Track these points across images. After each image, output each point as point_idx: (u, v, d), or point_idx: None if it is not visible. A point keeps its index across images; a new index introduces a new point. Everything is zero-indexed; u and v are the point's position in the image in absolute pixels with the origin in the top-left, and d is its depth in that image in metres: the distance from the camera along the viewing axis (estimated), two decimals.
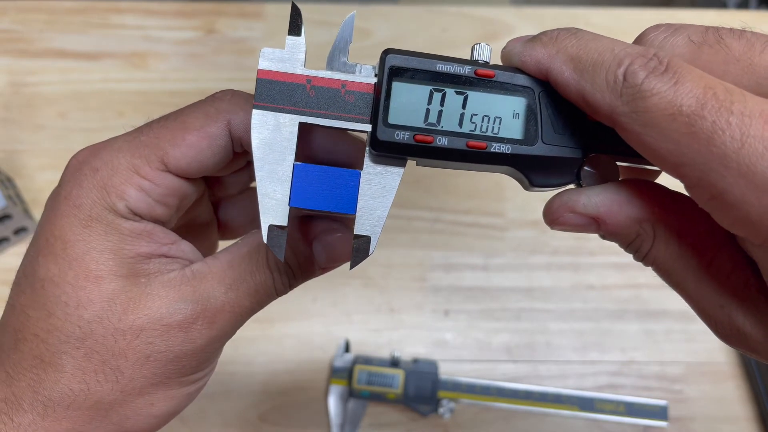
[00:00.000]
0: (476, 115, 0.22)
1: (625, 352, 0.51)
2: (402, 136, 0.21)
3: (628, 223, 0.21)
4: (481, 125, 0.22)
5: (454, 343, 0.51)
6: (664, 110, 0.17)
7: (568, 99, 0.21)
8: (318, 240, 0.24)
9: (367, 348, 0.50)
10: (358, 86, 0.22)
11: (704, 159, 0.17)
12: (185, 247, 0.24)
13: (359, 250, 0.22)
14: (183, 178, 0.23)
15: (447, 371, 0.49)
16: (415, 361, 0.48)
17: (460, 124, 0.22)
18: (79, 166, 0.23)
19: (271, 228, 0.21)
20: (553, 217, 0.22)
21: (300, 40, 0.24)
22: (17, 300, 0.22)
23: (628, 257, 0.58)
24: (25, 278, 0.23)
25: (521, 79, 0.22)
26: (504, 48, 0.22)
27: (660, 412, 0.48)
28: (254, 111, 0.22)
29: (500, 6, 0.65)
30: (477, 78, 0.22)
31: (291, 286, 0.25)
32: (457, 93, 0.22)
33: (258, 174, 0.21)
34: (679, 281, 0.21)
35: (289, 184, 0.21)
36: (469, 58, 0.23)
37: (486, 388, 0.48)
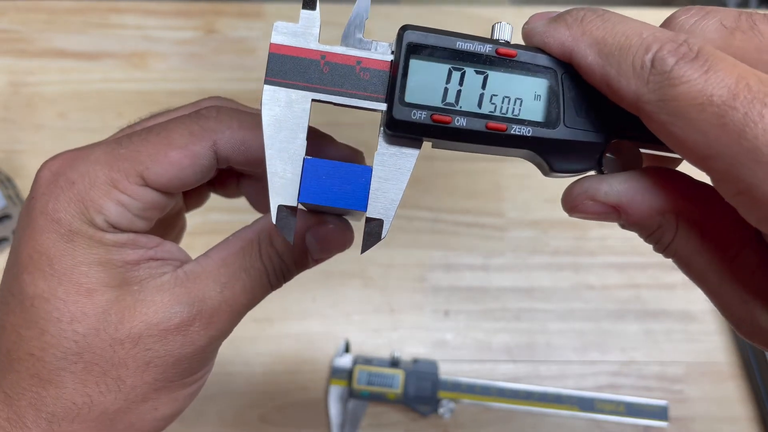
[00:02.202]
0: (496, 95, 0.21)
1: (625, 352, 0.51)
2: (419, 116, 0.20)
3: (651, 214, 0.20)
4: (501, 106, 0.21)
5: (454, 344, 0.51)
6: (693, 99, 0.17)
7: (592, 84, 0.20)
8: (310, 231, 0.24)
9: (367, 348, 0.50)
10: (374, 63, 0.21)
11: (734, 152, 0.16)
12: (171, 248, 0.24)
13: (371, 233, 0.21)
14: (162, 193, 0.23)
15: (447, 371, 0.49)
16: (415, 361, 0.48)
17: (480, 104, 0.21)
18: (53, 177, 0.22)
19: (281, 208, 0.20)
20: (572, 204, 0.22)
21: (315, 14, 0.22)
22: (7, 320, 0.22)
23: (629, 257, 0.58)
24: (13, 297, 0.22)
25: (543, 60, 0.21)
26: (526, 24, 0.21)
27: (660, 413, 0.48)
28: (265, 87, 0.21)
29: (500, 6, 0.65)
30: (498, 57, 0.21)
31: (286, 279, 0.24)
32: (477, 72, 0.21)
33: (268, 152, 0.20)
34: (701, 275, 0.21)
35: (301, 163, 0.21)
36: (489, 36, 0.22)
37: (486, 389, 0.48)
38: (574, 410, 0.48)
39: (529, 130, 0.21)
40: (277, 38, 0.21)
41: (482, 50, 0.21)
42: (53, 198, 0.22)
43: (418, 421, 0.48)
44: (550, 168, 0.23)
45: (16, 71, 0.60)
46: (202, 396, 0.49)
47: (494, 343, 0.51)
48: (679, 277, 0.56)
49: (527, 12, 0.68)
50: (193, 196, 0.28)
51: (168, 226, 0.27)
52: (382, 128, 0.21)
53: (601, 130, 0.21)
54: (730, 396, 0.50)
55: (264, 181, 0.21)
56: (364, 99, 0.21)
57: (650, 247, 0.59)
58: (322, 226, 0.24)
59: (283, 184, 0.20)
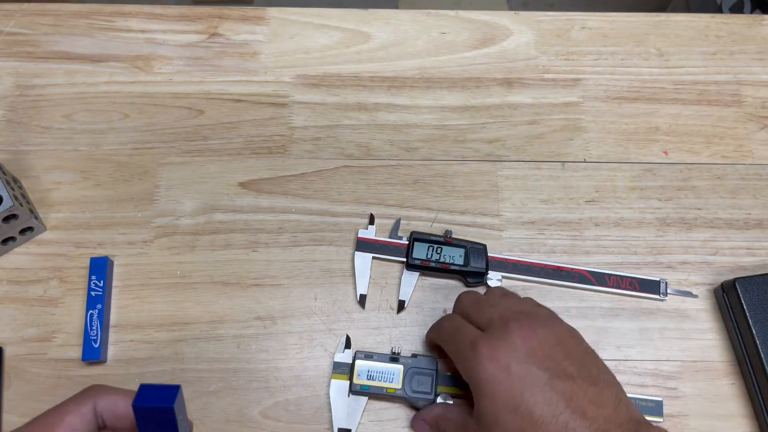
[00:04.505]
0: (445, 254, 0.52)
1: (620, 350, 0.52)
2: (418, 262, 0.52)
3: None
4: (448, 257, 0.52)
5: None
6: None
7: None
8: None
9: (367, 345, 0.51)
10: (401, 244, 0.54)
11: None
12: None
13: None
14: None
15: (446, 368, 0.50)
16: (415, 356, 0.49)
17: (440, 257, 0.52)
18: None
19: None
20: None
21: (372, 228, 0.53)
22: None
23: (623, 257, 0.59)
24: None
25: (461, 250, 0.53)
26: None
27: (655, 408, 0.49)
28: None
29: (498, 10, 0.66)
30: (446, 241, 0.52)
31: None
32: (438, 245, 0.53)
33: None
34: None
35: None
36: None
37: None
38: None
39: (459, 266, 0.52)
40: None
41: (440, 239, 0.52)
42: None
43: None
44: (467, 283, 0.52)
45: (22, 74, 0.61)
46: (206, 393, 0.50)
47: None
48: (674, 276, 0.57)
49: (524, 16, 0.69)
50: None
51: None
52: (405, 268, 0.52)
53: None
54: (724, 393, 0.51)
55: None
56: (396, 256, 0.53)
57: (645, 246, 0.60)
58: None
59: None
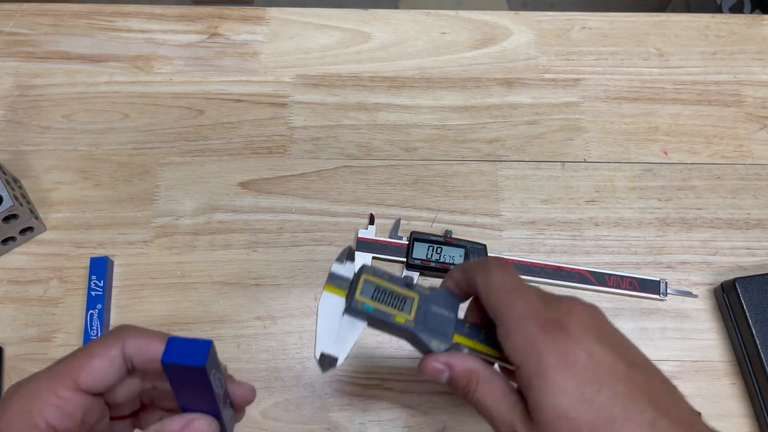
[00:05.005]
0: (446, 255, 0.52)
1: None
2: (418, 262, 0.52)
3: (465, 372, 0.34)
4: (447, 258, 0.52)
5: None
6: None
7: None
8: (184, 430, 0.30)
9: (367, 345, 0.51)
10: (400, 244, 0.54)
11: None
12: None
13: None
14: (90, 394, 0.30)
15: None
16: (432, 289, 0.38)
17: (440, 257, 0.53)
18: (11, 393, 0.30)
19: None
20: (425, 363, 0.35)
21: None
22: None
23: (623, 256, 0.58)
24: None
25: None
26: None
27: None
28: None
29: (498, 10, 0.66)
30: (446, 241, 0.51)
31: None
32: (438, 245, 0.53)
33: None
34: (490, 410, 0.32)
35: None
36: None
37: None
38: None
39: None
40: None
41: (440, 239, 0.53)
42: (8, 409, 0.29)
43: (416, 417, 0.49)
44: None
45: (22, 74, 0.61)
46: None
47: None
48: (674, 276, 0.57)
49: (524, 16, 0.69)
50: (120, 427, 0.35)
51: None
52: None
53: None
54: (724, 393, 0.51)
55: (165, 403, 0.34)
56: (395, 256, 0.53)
57: (645, 246, 0.60)
58: (191, 423, 0.30)
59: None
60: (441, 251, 0.52)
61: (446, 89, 0.61)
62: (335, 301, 0.38)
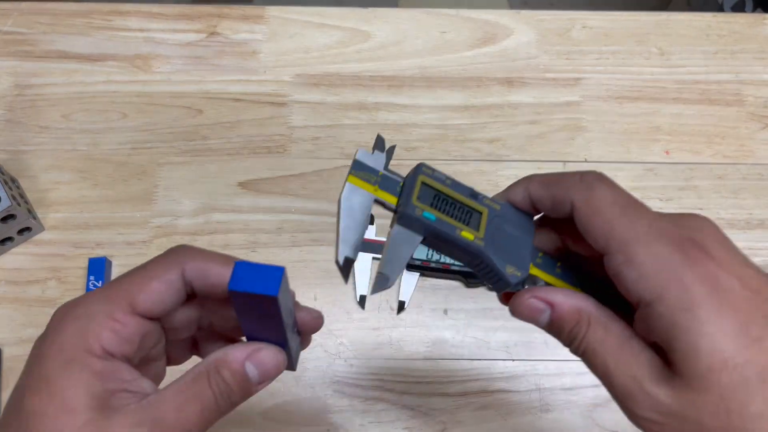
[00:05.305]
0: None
1: None
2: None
3: (572, 310, 0.27)
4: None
5: (453, 342, 0.51)
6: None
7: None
8: (249, 360, 0.28)
9: (367, 346, 0.51)
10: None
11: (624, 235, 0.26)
12: (144, 384, 0.28)
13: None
14: (147, 319, 0.28)
15: (446, 368, 0.50)
16: (501, 204, 0.30)
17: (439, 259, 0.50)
18: (62, 315, 0.28)
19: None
20: (520, 300, 0.28)
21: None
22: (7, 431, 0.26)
23: None
24: (12, 412, 0.26)
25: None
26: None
27: None
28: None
29: (499, 9, 0.66)
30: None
31: (233, 405, 0.28)
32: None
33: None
34: (602, 361, 0.26)
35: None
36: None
37: None
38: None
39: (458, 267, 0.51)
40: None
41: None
42: (61, 331, 0.27)
43: (416, 418, 0.49)
44: (467, 284, 0.46)
45: (20, 73, 0.60)
46: None
47: (493, 342, 0.51)
48: None
49: (525, 15, 0.69)
50: (176, 352, 0.33)
51: (149, 369, 0.32)
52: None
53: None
54: None
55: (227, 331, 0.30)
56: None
57: None
58: (257, 353, 0.28)
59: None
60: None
61: (447, 88, 0.61)
62: (361, 195, 0.31)
